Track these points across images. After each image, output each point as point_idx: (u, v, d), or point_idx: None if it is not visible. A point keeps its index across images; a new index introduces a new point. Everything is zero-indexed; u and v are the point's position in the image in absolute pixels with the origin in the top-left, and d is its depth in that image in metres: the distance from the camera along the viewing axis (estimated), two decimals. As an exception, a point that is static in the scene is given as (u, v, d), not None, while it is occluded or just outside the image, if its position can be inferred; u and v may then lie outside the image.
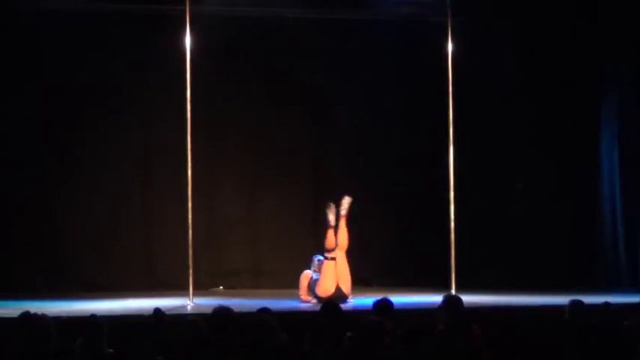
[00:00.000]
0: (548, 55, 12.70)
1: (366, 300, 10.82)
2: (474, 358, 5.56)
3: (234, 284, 12.14)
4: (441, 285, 10.80)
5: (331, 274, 10.44)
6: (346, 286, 10.42)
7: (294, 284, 10.83)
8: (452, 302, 7.27)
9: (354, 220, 12.98)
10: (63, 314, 7.92)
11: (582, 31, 12.50)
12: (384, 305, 6.91)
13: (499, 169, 12.94)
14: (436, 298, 7.47)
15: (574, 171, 12.83)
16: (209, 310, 6.69)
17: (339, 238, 10.57)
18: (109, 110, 12.35)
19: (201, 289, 11.42)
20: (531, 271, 12.44)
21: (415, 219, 12.89)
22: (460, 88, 11.37)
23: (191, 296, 10.26)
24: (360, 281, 12.82)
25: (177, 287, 11.25)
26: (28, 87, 12.06)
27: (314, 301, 10.34)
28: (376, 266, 13.02)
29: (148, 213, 12.55)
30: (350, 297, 10.49)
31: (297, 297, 10.62)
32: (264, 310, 6.89)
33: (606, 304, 7.22)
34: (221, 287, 12.48)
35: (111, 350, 5.95)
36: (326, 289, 10.36)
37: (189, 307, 10.02)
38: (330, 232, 10.62)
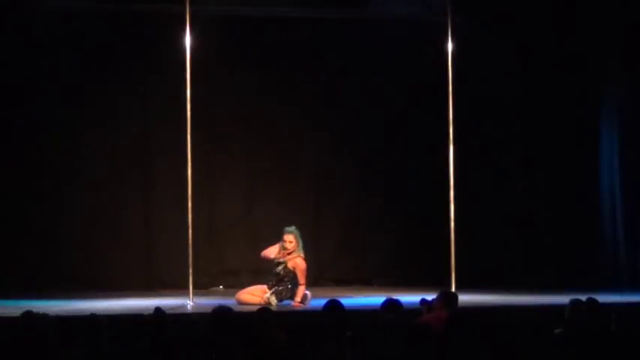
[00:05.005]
0: (549, 54, 12.70)
1: (367, 299, 10.86)
2: (474, 357, 5.56)
3: (234, 284, 12.13)
4: (441, 284, 10.79)
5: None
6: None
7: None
8: (449, 298, 7.33)
9: (354, 219, 13.07)
10: (63, 314, 7.91)
11: (583, 30, 12.50)
12: (393, 304, 6.93)
13: (499, 168, 12.95)
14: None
15: (574, 171, 12.82)
16: (209, 310, 6.69)
17: None
18: (108, 110, 12.35)
19: (201, 288, 11.44)
20: (531, 270, 12.45)
21: (415, 219, 12.89)
22: (460, 88, 11.38)
23: (191, 296, 10.27)
24: (361, 281, 12.89)
25: (177, 287, 11.28)
26: (27, 87, 12.07)
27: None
28: (376, 266, 13.03)
29: (148, 213, 12.55)
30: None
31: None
32: (264, 310, 6.89)
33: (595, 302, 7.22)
34: (221, 287, 12.49)
35: (111, 350, 5.94)
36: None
37: (189, 307, 10.03)
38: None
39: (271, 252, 10.42)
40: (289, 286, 10.23)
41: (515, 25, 12.72)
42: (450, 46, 11.33)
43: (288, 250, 10.30)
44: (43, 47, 12.06)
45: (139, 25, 12.20)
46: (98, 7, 11.98)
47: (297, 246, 10.30)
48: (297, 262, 10.26)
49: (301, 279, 10.22)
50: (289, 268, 10.25)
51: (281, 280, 10.26)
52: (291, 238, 10.30)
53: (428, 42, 12.06)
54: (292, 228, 10.36)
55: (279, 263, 10.32)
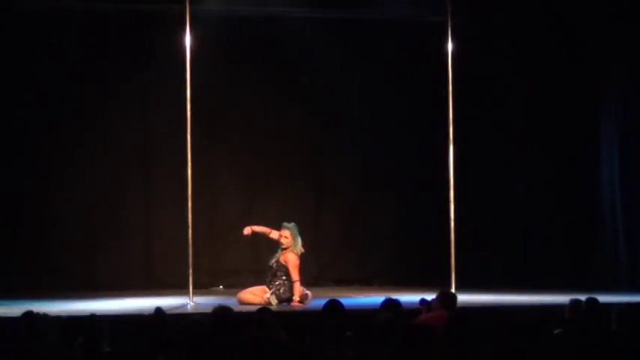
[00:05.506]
0: (549, 54, 12.70)
1: (367, 299, 10.86)
2: (474, 357, 5.56)
3: (235, 284, 12.14)
4: (441, 284, 10.79)
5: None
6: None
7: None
8: (447, 298, 7.34)
9: (354, 219, 13.07)
10: (63, 314, 7.91)
11: (583, 30, 12.50)
12: (392, 304, 6.93)
13: (499, 168, 12.94)
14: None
15: (574, 171, 12.82)
16: (209, 310, 6.69)
17: None
18: (108, 110, 12.36)
19: (201, 288, 11.44)
20: (531, 270, 12.45)
21: (415, 219, 12.89)
22: (460, 88, 11.38)
23: (191, 296, 10.27)
24: (361, 281, 12.89)
25: (177, 287, 11.27)
26: (27, 86, 12.08)
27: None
28: (376, 266, 13.04)
29: (148, 213, 12.56)
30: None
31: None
32: (264, 310, 6.89)
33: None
34: (221, 287, 12.49)
35: (111, 350, 5.95)
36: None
37: (189, 307, 10.03)
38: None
39: (265, 230, 10.41)
40: (285, 281, 10.24)
41: (516, 25, 12.72)
42: (450, 46, 11.33)
43: (284, 246, 10.32)
44: (42, 47, 12.06)
45: (139, 25, 12.21)
46: (98, 7, 11.98)
47: (293, 242, 10.30)
48: (289, 257, 10.26)
49: (294, 275, 10.21)
50: (281, 262, 10.27)
51: (274, 274, 10.28)
52: (286, 234, 10.32)
53: (428, 42, 12.06)
54: (291, 225, 10.38)
55: (274, 257, 10.35)
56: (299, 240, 10.35)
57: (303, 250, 10.39)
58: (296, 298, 10.18)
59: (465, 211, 11.63)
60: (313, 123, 13.00)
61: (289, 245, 10.30)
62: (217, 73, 12.29)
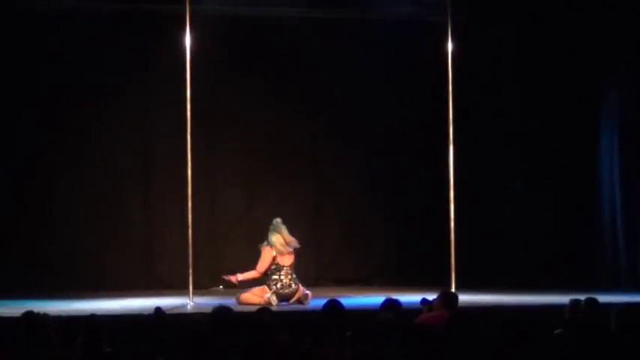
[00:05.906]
0: (549, 54, 12.71)
1: (367, 299, 10.86)
2: (474, 357, 5.56)
3: (235, 284, 12.15)
4: (441, 284, 10.79)
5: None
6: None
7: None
8: (449, 298, 7.34)
9: (354, 219, 13.06)
10: (63, 314, 7.91)
11: (583, 30, 12.50)
12: (392, 304, 6.94)
13: (499, 168, 12.94)
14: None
15: (574, 170, 12.82)
16: (209, 310, 6.69)
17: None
18: (108, 110, 12.35)
19: (201, 288, 11.44)
20: (531, 270, 12.45)
21: (415, 219, 12.89)
22: (460, 87, 11.38)
23: (191, 296, 10.28)
24: (361, 281, 12.89)
25: (177, 287, 11.28)
26: (28, 86, 12.07)
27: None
28: (376, 266, 13.04)
29: (148, 213, 12.55)
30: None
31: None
32: (264, 310, 6.90)
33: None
34: (221, 287, 12.48)
35: (111, 349, 5.95)
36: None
37: (189, 307, 10.04)
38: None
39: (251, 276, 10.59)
40: (280, 276, 10.30)
41: (515, 25, 12.72)
42: (450, 46, 11.33)
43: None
44: (42, 47, 12.06)
45: (139, 25, 12.21)
46: (98, 7, 11.98)
47: (268, 237, 10.40)
48: (263, 249, 10.38)
49: (259, 265, 10.35)
50: None
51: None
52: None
53: (428, 42, 12.06)
54: (274, 220, 10.48)
55: None
56: (273, 237, 10.39)
57: (283, 245, 10.37)
58: (239, 278, 10.33)
59: (465, 211, 11.62)
60: (313, 123, 13.00)
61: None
62: (217, 73, 12.29)
